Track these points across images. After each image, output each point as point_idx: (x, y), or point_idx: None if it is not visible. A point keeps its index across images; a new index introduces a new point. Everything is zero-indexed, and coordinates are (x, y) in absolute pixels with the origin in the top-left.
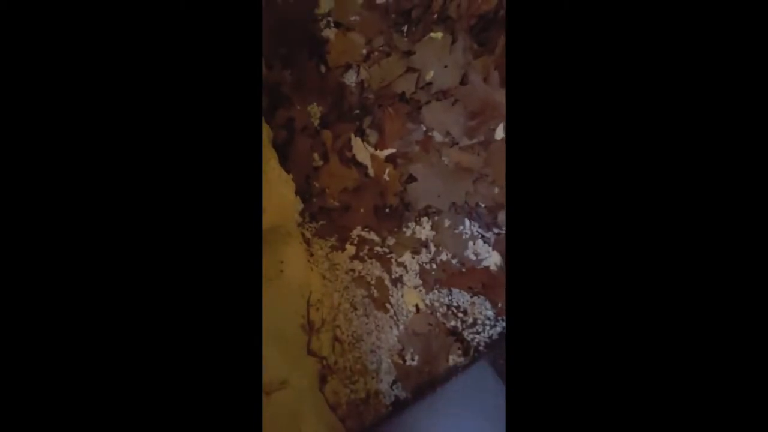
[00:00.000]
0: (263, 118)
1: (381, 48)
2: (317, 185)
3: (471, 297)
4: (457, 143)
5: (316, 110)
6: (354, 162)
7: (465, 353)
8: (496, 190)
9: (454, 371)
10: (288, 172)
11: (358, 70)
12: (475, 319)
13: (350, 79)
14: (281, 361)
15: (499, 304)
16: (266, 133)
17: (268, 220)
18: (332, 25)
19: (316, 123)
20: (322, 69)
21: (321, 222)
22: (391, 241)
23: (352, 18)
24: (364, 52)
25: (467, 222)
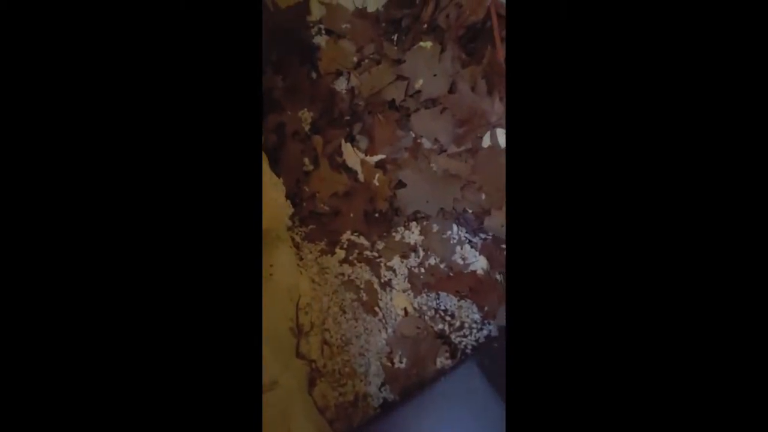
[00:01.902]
0: None
1: (371, 56)
2: (307, 190)
3: (458, 301)
4: (446, 150)
5: (306, 116)
6: (344, 167)
7: (452, 356)
8: (483, 196)
9: (442, 373)
10: (278, 176)
11: (349, 77)
12: (463, 323)
13: (341, 85)
14: (271, 362)
15: (486, 308)
16: None
17: None
18: (323, 32)
19: (307, 128)
20: (314, 75)
21: (311, 226)
22: (380, 245)
23: (344, 26)
24: (355, 59)
25: (455, 227)
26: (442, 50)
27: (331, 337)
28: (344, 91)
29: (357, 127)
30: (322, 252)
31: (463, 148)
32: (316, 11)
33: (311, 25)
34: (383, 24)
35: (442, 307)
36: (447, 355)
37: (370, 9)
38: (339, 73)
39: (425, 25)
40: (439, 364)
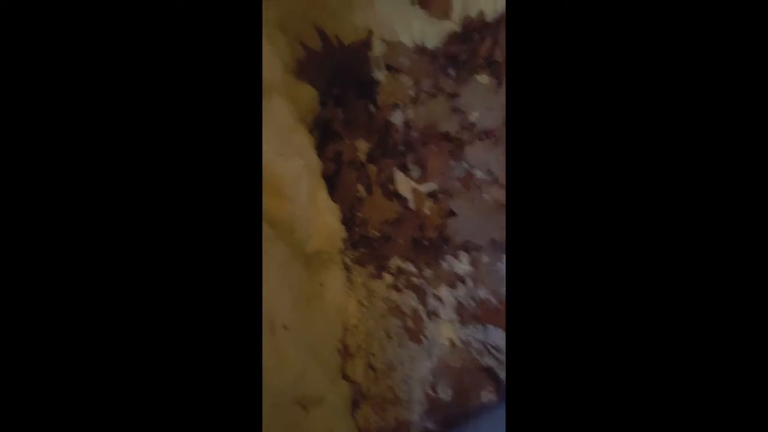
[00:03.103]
0: (316, 151)
1: (428, 90)
2: (360, 215)
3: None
4: (498, 181)
5: (363, 146)
6: (396, 195)
7: (497, 391)
8: None
9: (486, 408)
10: (335, 202)
11: (405, 110)
12: None
13: (397, 119)
14: (319, 380)
15: None
16: (317, 165)
17: (313, 245)
18: (384, 67)
19: (363, 158)
20: (372, 108)
21: (361, 250)
22: (428, 273)
23: (402, 61)
24: (412, 93)
25: (505, 259)
26: (498, 84)
27: (376, 361)
28: (400, 123)
29: (410, 156)
30: (371, 276)
31: None
32: (378, 47)
33: (372, 60)
34: (441, 60)
35: (489, 341)
36: (491, 389)
37: (429, 45)
38: (396, 106)
39: (482, 60)
40: (483, 398)
